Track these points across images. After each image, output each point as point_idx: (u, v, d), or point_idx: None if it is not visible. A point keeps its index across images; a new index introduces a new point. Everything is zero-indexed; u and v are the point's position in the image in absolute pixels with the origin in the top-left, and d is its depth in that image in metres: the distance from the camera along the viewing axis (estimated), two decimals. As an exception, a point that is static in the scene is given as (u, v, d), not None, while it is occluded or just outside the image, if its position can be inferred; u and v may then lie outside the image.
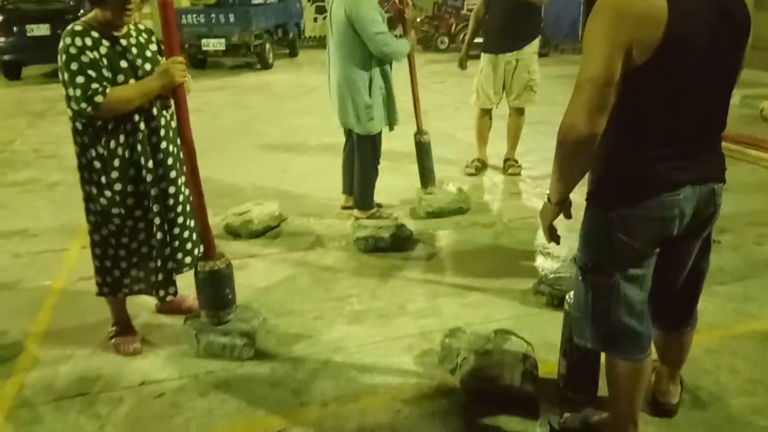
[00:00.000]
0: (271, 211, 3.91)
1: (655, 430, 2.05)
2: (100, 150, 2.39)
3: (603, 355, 2.10)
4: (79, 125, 2.38)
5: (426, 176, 4.17)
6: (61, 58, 2.27)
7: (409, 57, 3.87)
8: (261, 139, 6.09)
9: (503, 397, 2.22)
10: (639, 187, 1.65)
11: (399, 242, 3.59)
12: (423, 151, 4.13)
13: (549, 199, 1.79)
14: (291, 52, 13.89)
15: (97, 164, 2.41)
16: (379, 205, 4.17)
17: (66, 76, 2.26)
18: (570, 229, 2.06)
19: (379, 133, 3.82)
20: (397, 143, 4.52)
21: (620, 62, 1.49)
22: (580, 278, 1.82)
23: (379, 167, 4.01)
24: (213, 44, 11.24)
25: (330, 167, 4.57)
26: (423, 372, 2.47)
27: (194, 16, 11.31)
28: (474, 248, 3.65)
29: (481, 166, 5.03)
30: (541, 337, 2.60)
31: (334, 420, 2.21)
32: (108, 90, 2.25)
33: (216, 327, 2.62)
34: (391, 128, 3.85)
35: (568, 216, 1.84)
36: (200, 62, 11.89)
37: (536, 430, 2.13)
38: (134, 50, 2.42)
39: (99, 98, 2.23)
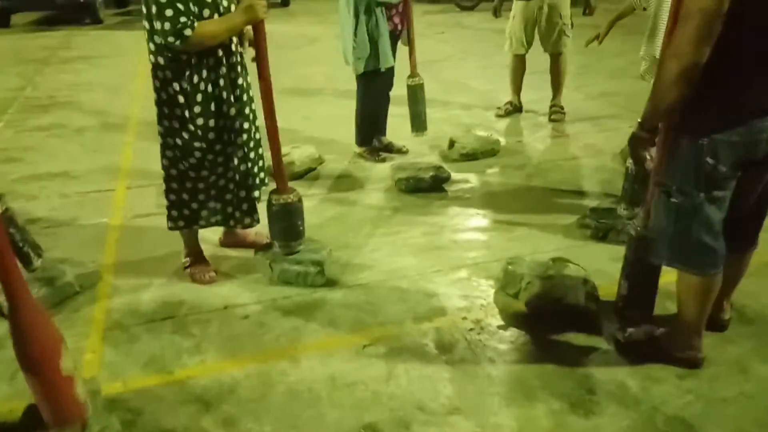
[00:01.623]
0: (310, 154, 4.02)
1: (711, 342, 2.25)
2: (184, 85, 2.45)
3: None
4: (161, 60, 2.43)
5: (416, 121, 4.14)
6: None
7: (406, 1, 3.84)
8: (276, 88, 6.08)
9: (568, 315, 2.42)
10: (730, 113, 1.79)
11: (438, 183, 3.73)
12: (413, 95, 4.07)
13: (641, 126, 1.93)
14: (283, 2, 13.64)
15: (180, 99, 2.47)
16: (404, 151, 4.32)
17: (154, 9, 2.29)
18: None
19: (372, 73, 3.88)
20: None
21: None
22: (664, 200, 1.98)
23: (399, 114, 4.12)
24: None
25: (351, 113, 4.65)
26: (486, 296, 2.65)
27: None
28: (509, 189, 3.81)
29: (512, 109, 5.17)
30: (591, 264, 2.77)
31: (413, 336, 2.39)
32: (196, 24, 2.32)
33: (287, 257, 2.77)
34: (379, 69, 3.88)
35: (653, 144, 1.98)
36: None
37: (602, 343, 2.33)
38: None
39: (188, 32, 2.29)
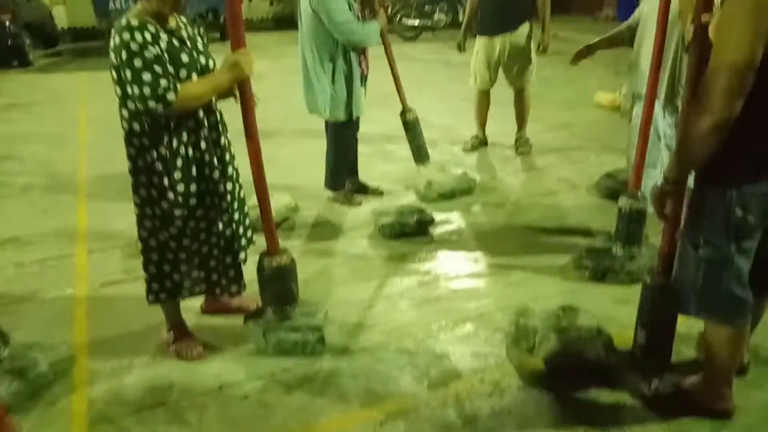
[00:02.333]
0: (287, 203, 3.84)
1: (734, 388, 2.20)
2: (162, 151, 2.26)
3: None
4: (137, 126, 2.23)
5: (419, 153, 4.14)
6: (119, 56, 2.11)
7: (383, 36, 3.76)
8: (230, 130, 5.88)
9: (589, 371, 2.33)
10: (759, 165, 1.76)
11: (423, 227, 3.62)
12: (411, 129, 4.08)
13: (667, 180, 1.87)
14: (223, 36, 13.41)
15: (159, 166, 2.28)
16: (379, 192, 4.23)
17: (128, 74, 2.10)
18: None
19: (348, 121, 3.79)
20: (376, 126, 4.47)
21: (762, 48, 1.58)
22: (692, 253, 1.92)
23: (368, 152, 4.01)
24: None
25: (315, 154, 4.51)
26: (498, 353, 2.53)
27: (122, 1, 10.72)
28: (493, 229, 3.73)
29: (478, 143, 5.18)
30: (597, 309, 2.71)
31: (432, 408, 2.23)
32: (179, 86, 2.14)
33: (283, 324, 2.57)
34: (354, 117, 3.79)
35: (680, 198, 1.93)
36: None
37: (627, 398, 2.24)
38: (189, 43, 2.30)
39: (171, 96, 2.11)
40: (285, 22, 13.51)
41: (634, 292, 2.84)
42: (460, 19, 12.16)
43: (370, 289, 3.07)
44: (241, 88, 2.33)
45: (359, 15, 3.65)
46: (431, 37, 12.00)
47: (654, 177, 3.30)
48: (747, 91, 1.63)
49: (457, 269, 3.24)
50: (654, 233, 3.18)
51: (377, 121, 3.93)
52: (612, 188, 3.99)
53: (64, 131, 6.12)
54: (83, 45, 12.18)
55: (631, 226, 3.06)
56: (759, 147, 1.75)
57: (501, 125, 5.31)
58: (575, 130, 5.73)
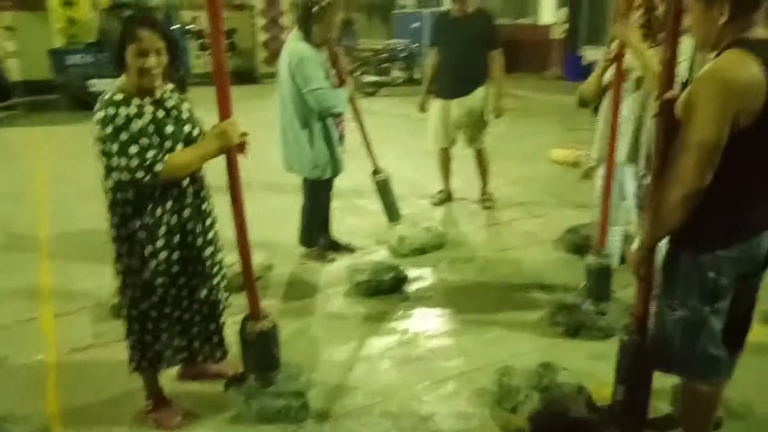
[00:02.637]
0: (260, 262, 3.81)
1: (711, 442, 2.29)
2: (146, 219, 2.26)
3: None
4: (120, 196, 2.24)
5: (390, 212, 4.25)
6: (105, 130, 2.13)
7: (353, 102, 3.91)
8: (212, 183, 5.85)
9: (574, 429, 2.38)
10: (731, 232, 1.89)
11: (398, 284, 3.67)
12: (383, 189, 4.20)
13: (643, 245, 1.99)
14: (180, 88, 13.41)
15: (141, 235, 2.27)
16: (351, 248, 4.28)
17: (114, 147, 2.12)
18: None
19: (323, 180, 3.88)
20: (345, 181, 4.51)
21: (728, 128, 1.73)
22: (670, 315, 2.02)
23: (338, 207, 4.10)
24: (102, 84, 10.58)
25: (284, 209, 4.55)
26: (482, 413, 2.55)
27: (81, 56, 10.63)
28: (466, 285, 3.80)
29: (445, 198, 5.34)
30: (573, 365, 2.78)
31: (421, 471, 2.24)
32: (166, 157, 2.16)
33: (265, 390, 2.54)
34: (334, 176, 3.89)
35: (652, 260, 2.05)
36: (84, 104, 11.14)
37: (611, 455, 2.30)
38: (174, 112, 2.33)
39: (158, 167, 2.14)
40: (244, 76, 13.66)
41: (607, 347, 2.96)
42: (415, 76, 12.61)
43: (350, 349, 3.07)
44: (227, 155, 2.36)
45: (334, 82, 3.76)
46: (389, 93, 12.32)
47: (617, 234, 3.46)
48: (716, 164, 1.77)
49: (435, 327, 3.29)
50: (619, 287, 3.33)
51: (346, 175, 4.02)
52: (576, 243, 4.15)
53: (21, 188, 5.97)
54: (38, 99, 11.96)
55: (599, 283, 3.18)
56: (730, 216, 1.89)
57: (465, 179, 5.47)
58: (534, 185, 5.95)
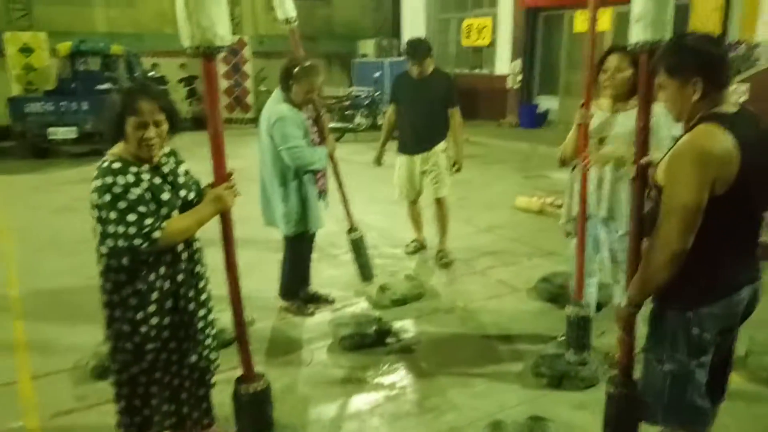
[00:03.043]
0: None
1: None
2: (139, 285, 2.27)
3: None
4: (114, 263, 2.24)
5: (363, 272, 4.25)
6: (103, 197, 2.15)
7: (332, 159, 3.99)
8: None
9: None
10: (713, 290, 2.03)
11: (382, 337, 3.70)
12: (356, 248, 4.21)
13: (630, 303, 2.11)
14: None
15: (133, 300, 2.28)
16: (330, 300, 4.32)
17: (113, 215, 2.14)
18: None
19: (302, 235, 3.93)
20: (323, 232, 4.54)
21: (707, 193, 1.89)
22: (659, 368, 2.14)
23: (315, 258, 4.21)
24: (62, 133, 10.41)
25: (259, 261, 4.53)
26: (476, 467, 2.60)
27: (40, 104, 10.47)
28: (449, 336, 3.87)
29: (419, 246, 5.46)
30: (558, 416, 2.87)
31: None
32: (164, 224, 2.19)
33: (260, 452, 2.53)
34: (310, 232, 3.95)
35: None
36: (42, 152, 10.93)
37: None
38: (170, 178, 2.36)
39: (156, 234, 2.16)
40: (204, 122, 13.61)
41: (590, 397, 3.08)
42: (379, 122, 12.86)
43: (338, 407, 3.08)
44: (222, 218, 2.39)
45: (314, 139, 3.85)
46: (353, 138, 12.52)
47: (592, 285, 3.61)
48: (697, 227, 1.92)
49: (421, 381, 3.32)
50: (595, 336, 3.44)
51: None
52: (550, 292, 4.29)
53: (-15, 242, 5.79)
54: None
55: (579, 333, 3.30)
56: (710, 275, 2.03)
57: (432, 226, 5.56)
58: (503, 233, 6.12)
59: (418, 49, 4.81)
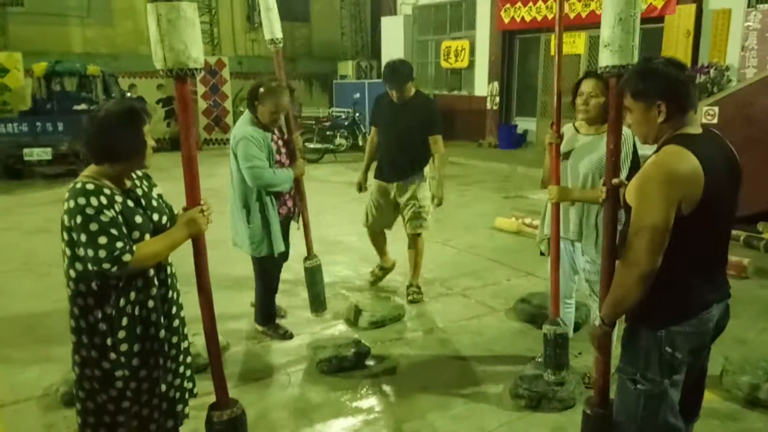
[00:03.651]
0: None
1: None
2: (108, 310, 2.21)
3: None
4: (83, 287, 2.19)
5: (315, 302, 4.12)
6: (74, 219, 2.11)
7: (298, 184, 3.96)
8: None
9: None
10: (683, 308, 2.04)
11: (360, 359, 3.67)
12: (311, 276, 4.09)
13: (603, 322, 2.13)
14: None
15: (103, 326, 2.22)
16: (281, 314, 4.35)
17: (83, 237, 2.10)
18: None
19: (268, 257, 3.89)
20: (297, 252, 4.50)
21: (674, 213, 1.92)
22: (632, 388, 2.14)
23: (291, 280, 4.27)
24: (37, 154, 10.28)
25: (225, 283, 4.45)
26: (455, 492, 2.57)
27: (14, 124, 10.34)
28: (429, 358, 3.84)
29: (381, 274, 5.10)
30: (539, 439, 2.86)
31: None
32: (135, 247, 2.16)
33: (234, 481, 2.46)
34: (273, 254, 3.87)
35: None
36: (16, 173, 10.77)
37: None
38: (143, 201, 2.32)
39: (127, 257, 2.11)
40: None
41: (567, 419, 3.08)
42: (360, 143, 12.92)
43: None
44: (194, 242, 2.35)
45: (281, 162, 3.85)
46: (333, 159, 12.55)
47: (569, 306, 3.62)
48: (665, 246, 1.94)
49: (400, 405, 3.29)
50: (572, 356, 3.45)
51: (294, 245, 4.04)
52: (529, 312, 4.30)
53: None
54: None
55: (557, 351, 3.29)
56: (679, 294, 2.05)
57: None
58: (481, 252, 6.14)
59: (397, 73, 4.41)
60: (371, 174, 4.91)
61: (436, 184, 4.64)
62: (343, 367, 3.59)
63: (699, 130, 2.05)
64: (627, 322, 2.20)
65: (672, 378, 2.10)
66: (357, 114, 13.32)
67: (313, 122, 13.07)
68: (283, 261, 4.12)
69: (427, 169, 4.70)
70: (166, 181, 2.39)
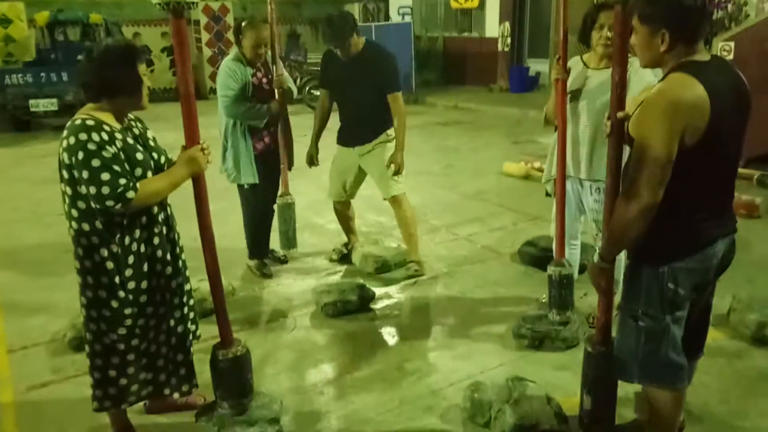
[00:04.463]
0: (224, 286, 3.75)
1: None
2: (114, 249, 2.22)
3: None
4: (86, 226, 2.18)
5: (286, 239, 4.24)
6: (75, 156, 2.09)
7: (278, 121, 3.98)
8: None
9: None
10: (687, 245, 1.99)
11: (365, 303, 3.68)
12: (282, 213, 4.16)
13: (602, 258, 2.09)
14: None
15: (110, 264, 2.22)
16: (283, 260, 4.42)
17: (85, 174, 2.08)
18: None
19: (245, 188, 4.04)
20: (301, 199, 4.46)
21: (677, 144, 1.84)
22: (633, 324, 2.11)
23: (299, 225, 4.25)
24: (43, 105, 10.23)
25: (238, 230, 4.48)
26: (455, 430, 2.59)
27: (19, 75, 10.25)
28: (432, 301, 3.85)
29: (346, 252, 4.50)
30: (540, 377, 2.85)
31: (401, 492, 2.25)
32: (138, 184, 2.13)
33: (238, 418, 2.51)
34: (244, 185, 4.03)
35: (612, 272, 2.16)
36: (24, 124, 10.75)
37: (582, 465, 2.37)
38: (141, 140, 2.31)
39: (130, 194, 2.10)
40: (191, 91, 13.39)
41: (571, 358, 3.07)
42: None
43: (319, 372, 3.06)
44: (195, 181, 2.34)
45: (262, 100, 3.94)
46: (340, 107, 12.37)
47: (575, 247, 3.58)
48: (667, 180, 1.88)
49: (403, 345, 3.31)
50: (576, 297, 3.42)
51: (302, 193, 4.01)
52: (534, 256, 4.26)
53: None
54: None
55: (562, 292, 3.27)
56: (683, 229, 2.00)
57: (426, 193, 5.53)
58: (488, 198, 6.08)
59: (334, 27, 3.81)
60: (325, 143, 4.38)
61: (395, 146, 4.01)
62: (348, 310, 3.61)
63: (707, 57, 1.95)
64: (629, 258, 2.16)
65: (674, 314, 2.07)
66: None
67: (319, 68, 12.82)
68: (268, 197, 4.19)
69: (383, 137, 4.10)
70: (170, 131, 2.36)
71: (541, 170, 6.69)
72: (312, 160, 4.31)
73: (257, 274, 4.22)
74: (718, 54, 6.18)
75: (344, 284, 3.79)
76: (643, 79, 2.78)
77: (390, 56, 4.06)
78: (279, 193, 4.18)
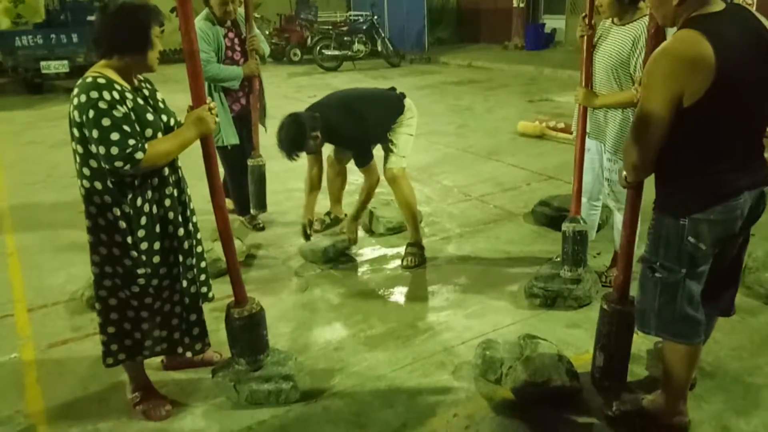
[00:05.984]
0: (237, 246, 3.77)
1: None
2: (126, 209, 2.22)
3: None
4: (98, 185, 2.18)
5: (253, 199, 4.20)
6: (86, 114, 2.08)
7: (250, 81, 4.01)
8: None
9: (557, 396, 2.46)
10: (708, 196, 1.96)
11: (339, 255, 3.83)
12: (252, 174, 4.11)
13: (626, 179, 2.16)
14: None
15: (122, 224, 2.23)
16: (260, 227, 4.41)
17: (95, 133, 2.07)
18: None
19: (225, 148, 4.03)
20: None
21: (675, 101, 1.83)
22: (650, 276, 2.10)
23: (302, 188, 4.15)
24: (54, 67, 10.22)
25: None
26: (467, 386, 2.61)
27: (30, 37, 10.21)
28: (445, 260, 3.85)
29: (330, 223, 4.34)
30: (552, 335, 2.87)
31: (413, 446, 2.29)
32: (147, 145, 2.13)
33: (254, 374, 2.55)
34: (225, 145, 4.02)
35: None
36: (36, 87, 10.76)
37: (592, 419, 2.39)
38: (151, 101, 2.29)
39: (139, 155, 2.09)
40: (201, 53, 13.26)
41: (583, 316, 3.07)
42: (379, 48, 12.51)
43: (333, 330, 3.10)
44: (204, 143, 2.33)
45: (234, 60, 3.99)
46: (352, 67, 12.22)
47: (596, 208, 3.54)
48: (663, 135, 1.88)
49: (416, 303, 3.34)
50: (590, 256, 3.41)
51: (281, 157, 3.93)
52: (548, 215, 4.23)
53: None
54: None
55: (575, 248, 3.24)
56: (703, 181, 1.96)
57: (436, 153, 5.49)
58: (502, 158, 6.02)
59: (287, 144, 3.39)
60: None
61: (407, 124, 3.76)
62: (330, 258, 3.79)
63: (721, 7, 1.88)
64: (653, 210, 2.13)
65: (692, 269, 2.04)
66: (375, 17, 12.81)
67: (330, 27, 12.64)
68: (247, 157, 4.17)
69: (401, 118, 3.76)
70: (181, 93, 2.32)
71: (556, 129, 6.63)
72: (306, 231, 3.84)
73: (249, 228, 4.37)
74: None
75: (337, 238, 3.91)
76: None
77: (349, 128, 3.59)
78: (251, 153, 4.13)
